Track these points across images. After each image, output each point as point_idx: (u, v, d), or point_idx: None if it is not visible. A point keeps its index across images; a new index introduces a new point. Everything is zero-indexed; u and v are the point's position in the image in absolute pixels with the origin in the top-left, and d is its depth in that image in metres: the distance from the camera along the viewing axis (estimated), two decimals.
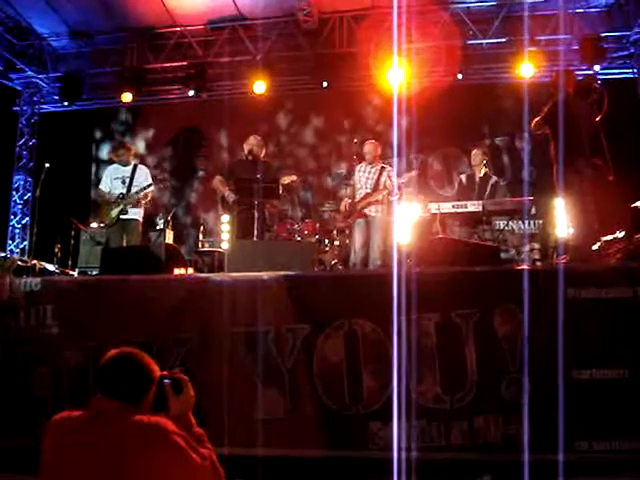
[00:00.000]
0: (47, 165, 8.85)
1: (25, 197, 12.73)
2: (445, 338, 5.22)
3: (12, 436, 5.62)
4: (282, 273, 5.67)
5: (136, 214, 8.25)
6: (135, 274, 6.11)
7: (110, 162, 9.05)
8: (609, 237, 7.19)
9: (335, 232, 9.73)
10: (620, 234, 6.96)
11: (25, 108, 12.97)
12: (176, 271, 7.14)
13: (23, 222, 12.65)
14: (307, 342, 5.41)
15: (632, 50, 10.73)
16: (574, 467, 4.63)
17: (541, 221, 8.25)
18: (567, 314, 4.84)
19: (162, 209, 11.96)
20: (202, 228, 11.07)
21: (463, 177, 8.93)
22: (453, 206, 8.25)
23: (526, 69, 10.47)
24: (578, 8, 10.57)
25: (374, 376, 5.26)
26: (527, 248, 8.13)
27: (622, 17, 10.55)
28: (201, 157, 12.98)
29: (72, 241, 9.90)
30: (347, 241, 9.29)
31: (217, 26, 11.80)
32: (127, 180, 8.23)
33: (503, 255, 7.59)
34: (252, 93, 11.59)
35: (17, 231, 12.61)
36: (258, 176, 7.85)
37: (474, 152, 8.90)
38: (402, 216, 8.72)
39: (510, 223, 8.13)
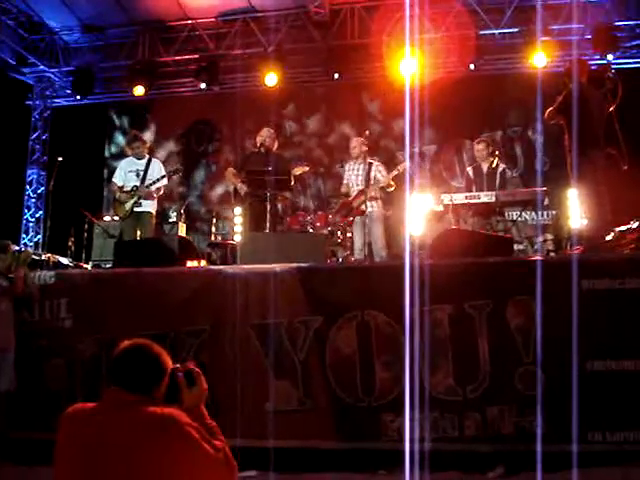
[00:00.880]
0: (60, 159, 8.88)
1: (38, 191, 12.79)
2: (458, 329, 5.22)
3: (27, 428, 5.67)
4: (294, 265, 5.68)
5: (149, 207, 8.27)
6: (148, 267, 6.14)
7: (124, 155, 9.05)
8: (623, 227, 7.13)
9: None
10: (634, 224, 6.90)
11: (37, 102, 13.01)
12: (189, 263, 7.16)
13: (37, 216, 12.72)
14: (320, 334, 5.42)
15: None
16: (588, 458, 4.61)
17: (555, 212, 8.20)
18: (581, 305, 4.82)
19: (175, 202, 11.99)
20: (215, 220, 11.08)
21: (470, 170, 8.79)
22: (466, 197, 8.17)
23: (539, 59, 10.38)
24: None
25: (387, 367, 5.27)
26: (540, 239, 8.09)
27: (635, 6, 10.43)
28: (213, 150, 12.98)
29: (85, 234, 9.92)
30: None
31: (228, 18, 11.77)
32: (141, 173, 8.25)
33: (516, 246, 7.56)
34: (264, 85, 11.57)
35: (31, 225, 12.68)
36: (270, 168, 7.84)
37: (479, 147, 8.76)
38: (414, 208, 8.69)
39: (523, 214, 8.08)
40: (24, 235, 12.59)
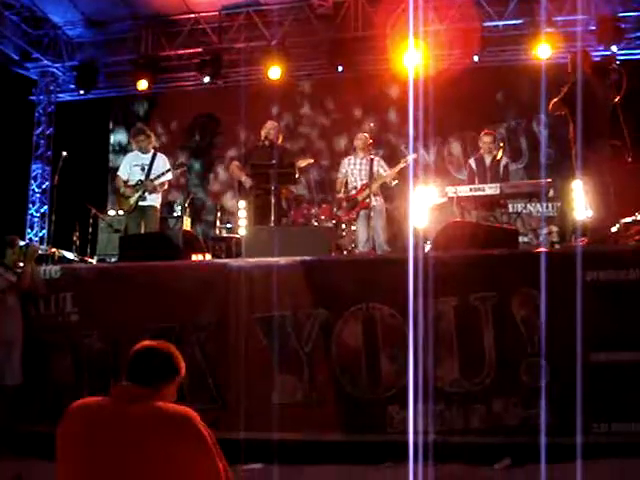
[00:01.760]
0: (64, 154, 8.89)
1: (43, 186, 12.80)
2: (463, 321, 5.22)
3: (33, 422, 5.70)
4: (299, 258, 5.68)
5: (154, 201, 8.26)
6: (153, 261, 6.15)
7: (128, 150, 9.04)
8: (628, 219, 7.13)
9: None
10: (639, 216, 6.90)
11: (41, 97, 13.00)
12: (194, 257, 7.17)
13: (42, 211, 12.73)
14: (325, 327, 5.43)
15: None
16: (593, 449, 4.62)
17: (559, 203, 8.18)
18: (585, 296, 4.81)
19: (180, 196, 12.00)
20: (219, 214, 11.08)
21: (472, 162, 8.74)
22: (470, 189, 8.15)
23: (543, 50, 10.34)
24: None
25: (392, 360, 5.27)
26: (545, 231, 8.08)
27: None
28: (217, 143, 12.98)
29: (90, 229, 9.93)
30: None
31: (231, 12, 11.75)
32: (146, 167, 8.23)
33: (521, 238, 7.54)
34: (267, 79, 11.56)
35: (36, 220, 12.70)
36: (274, 161, 7.84)
37: (485, 139, 8.69)
38: (419, 200, 8.68)
39: (528, 206, 8.06)
40: (29, 230, 12.62)
